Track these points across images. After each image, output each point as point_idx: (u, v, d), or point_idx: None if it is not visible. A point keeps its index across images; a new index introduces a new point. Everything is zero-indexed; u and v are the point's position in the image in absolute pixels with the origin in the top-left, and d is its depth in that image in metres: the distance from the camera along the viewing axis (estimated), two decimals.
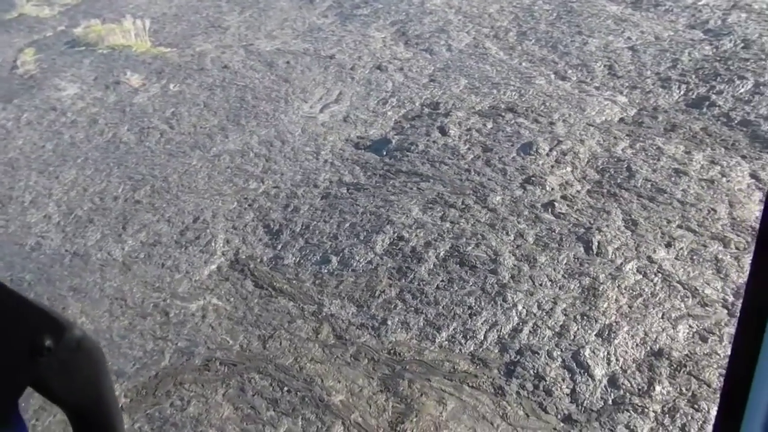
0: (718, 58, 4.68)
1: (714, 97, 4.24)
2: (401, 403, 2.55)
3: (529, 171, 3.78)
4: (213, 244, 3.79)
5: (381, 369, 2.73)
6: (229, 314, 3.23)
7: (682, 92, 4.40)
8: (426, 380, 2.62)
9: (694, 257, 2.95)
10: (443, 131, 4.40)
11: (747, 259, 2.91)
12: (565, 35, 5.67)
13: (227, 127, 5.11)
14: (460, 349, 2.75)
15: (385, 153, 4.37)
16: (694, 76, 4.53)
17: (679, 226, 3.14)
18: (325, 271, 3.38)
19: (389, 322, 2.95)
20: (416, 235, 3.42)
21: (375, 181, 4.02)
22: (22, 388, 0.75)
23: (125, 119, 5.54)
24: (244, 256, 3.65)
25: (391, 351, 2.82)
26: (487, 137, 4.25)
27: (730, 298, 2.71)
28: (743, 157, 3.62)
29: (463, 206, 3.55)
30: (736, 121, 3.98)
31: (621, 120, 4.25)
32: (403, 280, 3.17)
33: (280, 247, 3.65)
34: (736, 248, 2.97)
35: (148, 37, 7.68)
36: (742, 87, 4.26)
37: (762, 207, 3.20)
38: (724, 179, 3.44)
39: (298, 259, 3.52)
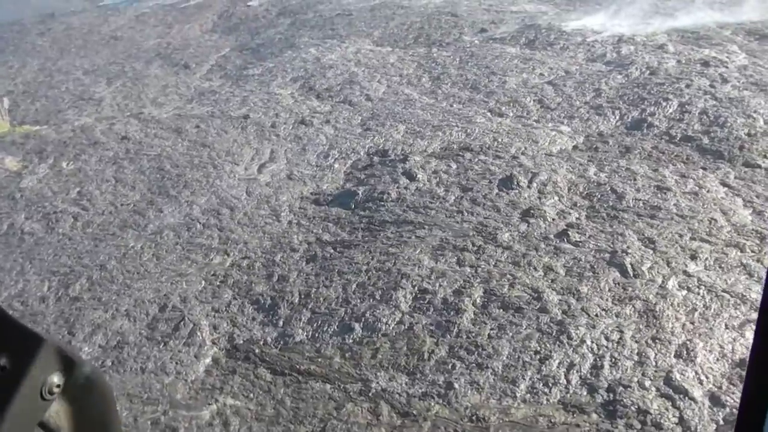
0: (635, 85, 5.08)
1: (649, 119, 4.56)
2: None
3: (521, 204, 3.74)
4: (197, 333, 3.25)
5: None
6: (257, 414, 2.74)
7: (617, 117, 4.68)
8: None
9: (722, 265, 3.05)
10: (410, 177, 4.25)
11: (767, 259, 3.07)
12: (479, 77, 5.85)
13: (155, 201, 4.52)
14: (547, 399, 2.55)
15: (354, 206, 4.11)
16: (621, 102, 4.86)
17: (693, 239, 3.25)
18: (351, 341, 3.02)
19: (456, 385, 2.68)
20: (440, 285, 3.20)
21: (362, 236, 3.74)
22: (32, 426, 0.71)
23: (18, 207, 4.69)
24: (242, 341, 3.17)
25: (473, 418, 2.54)
26: (458, 177, 4.17)
27: None
28: (704, 168, 3.89)
29: (475, 248, 3.41)
30: (678, 138, 4.29)
31: (575, 147, 4.41)
32: (449, 336, 2.92)
33: (282, 323, 3.22)
34: (752, 251, 3.12)
35: (7, 117, 6.71)
36: (669, 108, 4.64)
37: (750, 211, 3.44)
38: (704, 190, 3.65)
39: (311, 333, 3.12)
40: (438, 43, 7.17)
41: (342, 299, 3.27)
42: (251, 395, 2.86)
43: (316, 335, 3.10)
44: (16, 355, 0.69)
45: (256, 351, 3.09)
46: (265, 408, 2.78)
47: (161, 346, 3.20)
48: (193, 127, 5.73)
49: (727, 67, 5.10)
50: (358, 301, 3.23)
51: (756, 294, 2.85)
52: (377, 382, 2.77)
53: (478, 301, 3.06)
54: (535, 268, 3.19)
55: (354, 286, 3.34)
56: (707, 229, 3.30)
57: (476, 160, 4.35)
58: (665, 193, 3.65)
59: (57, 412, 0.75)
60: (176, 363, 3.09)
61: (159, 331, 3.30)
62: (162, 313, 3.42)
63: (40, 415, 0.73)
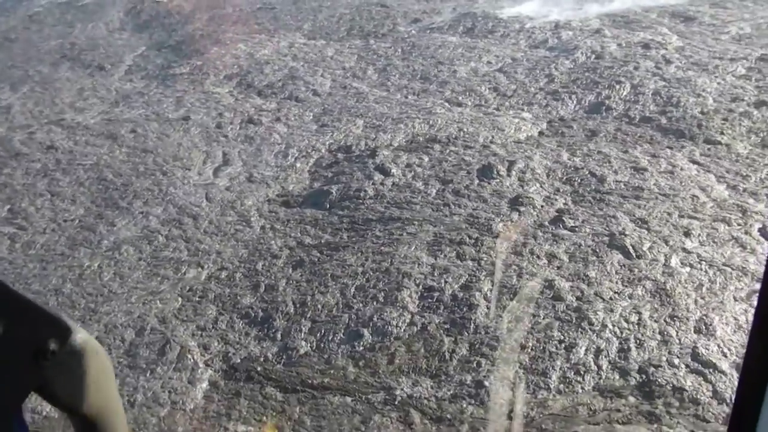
0: (585, 69, 5.18)
1: (606, 102, 4.66)
2: None
3: (505, 193, 3.70)
4: (186, 356, 2.97)
5: None
6: None
7: (575, 102, 4.75)
8: None
9: (715, 240, 3.14)
10: (384, 172, 4.11)
11: (755, 229, 3.19)
12: (427, 67, 5.79)
13: (104, 214, 4.12)
14: (582, 387, 2.51)
15: (329, 206, 3.92)
16: (575, 87, 4.94)
17: (681, 216, 3.32)
18: (362, 348, 2.86)
19: (486, 383, 2.58)
20: (446, 282, 3.09)
21: (348, 237, 3.56)
22: (26, 392, 0.72)
23: None
24: (239, 360, 2.92)
25: (510, 414, 2.46)
26: (434, 170, 4.07)
27: None
28: (670, 148, 4.02)
29: (473, 241, 3.32)
30: (637, 119, 4.41)
31: (541, 134, 4.43)
32: (466, 333, 2.82)
33: (280, 336, 3.00)
34: (738, 224, 3.24)
35: None
36: (623, 90, 4.76)
37: (724, 186, 3.57)
38: (677, 169, 3.76)
39: (315, 343, 2.92)
40: (373, 34, 7.03)
41: (343, 305, 3.09)
42: (264, 418, 2.63)
43: (322, 345, 2.91)
44: (10, 320, 0.67)
45: (258, 369, 2.85)
46: (283, 431, 2.57)
47: (148, 375, 2.90)
48: (129, 132, 5.28)
49: (666, 49, 5.32)
50: (361, 305, 3.06)
51: (754, 266, 2.94)
52: (401, 389, 2.63)
53: (489, 294, 2.98)
54: (538, 257, 3.15)
55: (353, 289, 3.16)
56: (692, 206, 3.39)
57: (447, 151, 4.27)
58: (643, 174, 3.72)
59: (52, 378, 0.73)
60: (169, 391, 2.80)
61: (141, 358, 2.98)
62: (140, 338, 3.10)
63: (35, 381, 0.71)
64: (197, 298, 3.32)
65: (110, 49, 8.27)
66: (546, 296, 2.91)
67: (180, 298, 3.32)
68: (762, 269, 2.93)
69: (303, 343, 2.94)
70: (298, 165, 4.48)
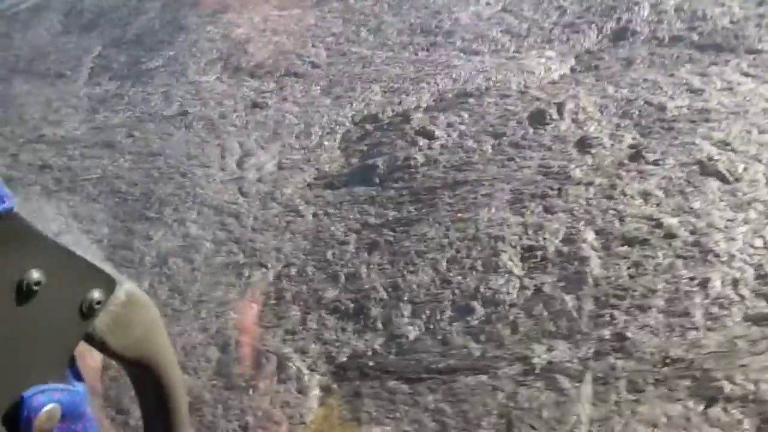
0: None
1: (629, 26, 4.49)
2: None
3: (568, 137, 3.51)
4: (287, 365, 2.73)
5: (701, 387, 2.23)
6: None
7: (596, 31, 4.57)
8: None
9: None
10: (428, 135, 3.87)
11: None
12: (425, 19, 5.49)
13: (134, 229, 3.77)
14: (732, 320, 2.38)
15: (380, 181, 3.67)
16: (592, 16, 4.75)
17: (762, 132, 3.20)
18: (477, 322, 2.67)
19: (628, 334, 2.43)
20: (544, 238, 2.90)
21: (416, 209, 3.34)
22: (75, 343, 0.69)
23: None
24: (345, 358, 2.70)
25: (666, 361, 2.32)
26: (479, 125, 3.85)
27: None
28: (715, 64, 3.88)
29: (555, 191, 3.14)
30: (667, 40, 4.26)
31: (574, 70, 4.24)
32: (586, 288, 2.65)
33: (381, 325, 2.78)
34: None
35: None
36: (643, 11, 4.59)
37: None
38: (734, 84, 3.63)
39: (424, 326, 2.72)
40: None
41: (440, 280, 2.88)
42: (398, 414, 2.44)
43: (432, 327, 2.71)
44: (52, 270, 0.65)
45: (371, 364, 2.64)
46: (425, 425, 2.38)
47: (251, 393, 2.65)
48: (126, 137, 4.88)
49: None
50: (460, 277, 2.86)
51: None
52: (538, 357, 2.46)
53: (596, 244, 2.81)
54: (632, 197, 2.99)
55: (445, 263, 2.95)
56: (767, 121, 3.27)
57: (485, 103, 4.04)
58: (701, 95, 3.58)
59: (101, 328, 0.72)
60: (282, 407, 2.58)
61: (237, 376, 2.73)
62: (227, 354, 2.84)
63: (82, 332, 0.71)
64: (274, 301, 3.06)
65: (62, 54, 7.66)
66: (657, 235, 2.76)
67: (254, 305, 3.06)
68: None
69: (410, 327, 2.73)
70: (326, 143, 4.19)
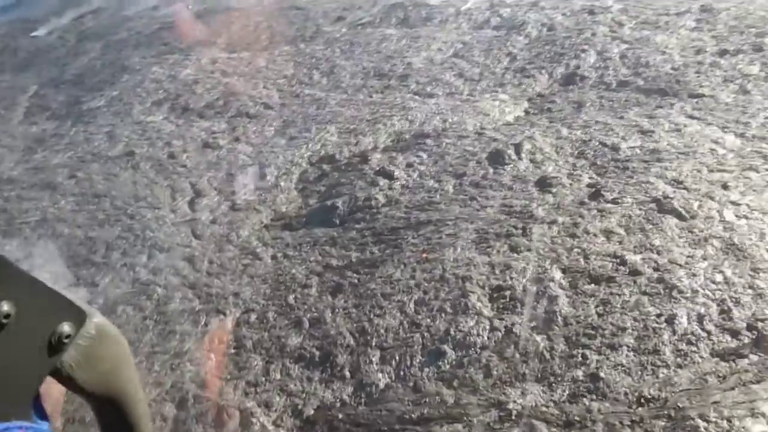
0: (544, 43, 5.15)
1: (577, 71, 4.65)
2: None
3: (528, 177, 3.55)
4: (251, 420, 2.57)
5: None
6: None
7: (546, 76, 4.70)
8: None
9: (753, 188, 3.15)
10: (387, 175, 3.84)
11: None
12: (378, 63, 5.54)
13: (80, 274, 3.56)
14: (700, 356, 2.40)
15: (340, 221, 3.60)
16: (541, 62, 4.90)
17: (711, 171, 3.32)
18: (449, 366, 2.60)
19: (601, 374, 2.41)
20: (511, 278, 2.89)
21: (380, 250, 3.27)
22: (42, 377, 0.70)
23: None
24: (312, 411, 2.57)
25: (640, 401, 2.31)
26: (439, 165, 3.85)
27: None
28: (661, 107, 4.05)
29: (520, 230, 3.14)
30: (614, 85, 4.43)
31: (528, 113, 4.33)
32: (556, 327, 2.63)
33: (348, 373, 2.67)
34: (766, 169, 3.28)
35: None
36: (590, 58, 4.77)
37: (732, 135, 3.61)
38: (681, 126, 3.78)
39: (394, 373, 2.63)
40: (300, 38, 6.69)
41: (409, 324, 2.81)
42: None
43: (402, 373, 2.62)
44: (23, 302, 0.65)
45: (340, 416, 2.52)
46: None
47: None
48: (68, 179, 4.65)
49: (612, 12, 5.40)
50: (429, 320, 2.80)
51: None
52: (513, 402, 2.40)
53: (563, 282, 2.81)
54: (595, 235, 3.03)
55: (412, 305, 2.89)
56: (716, 160, 3.40)
57: (444, 144, 4.06)
58: (651, 136, 3.71)
59: (69, 362, 0.71)
60: None
61: None
62: (184, 411, 2.67)
63: (50, 367, 0.69)
64: (233, 350, 2.91)
65: None
66: (622, 273, 2.79)
67: (212, 353, 2.90)
68: None
69: (379, 375, 2.63)
70: (282, 184, 4.11)
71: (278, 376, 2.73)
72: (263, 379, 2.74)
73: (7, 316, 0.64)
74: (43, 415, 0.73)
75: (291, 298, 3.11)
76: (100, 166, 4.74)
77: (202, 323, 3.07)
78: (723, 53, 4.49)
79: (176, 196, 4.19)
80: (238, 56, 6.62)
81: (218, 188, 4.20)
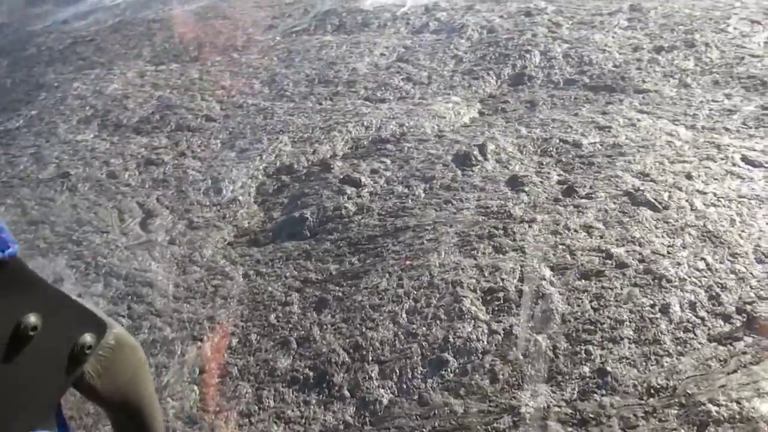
0: (487, 45, 5.21)
1: (525, 71, 4.73)
2: None
3: (497, 177, 3.55)
4: None
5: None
6: None
7: (494, 78, 4.76)
8: None
9: (714, 177, 3.28)
10: (354, 183, 3.73)
11: (738, 159, 3.40)
12: (321, 70, 5.42)
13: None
14: (698, 342, 2.46)
15: (311, 234, 3.46)
16: (487, 63, 4.95)
17: (672, 162, 3.44)
18: (452, 375, 2.53)
19: (608, 368, 2.42)
20: (501, 279, 2.86)
21: (360, 260, 3.16)
22: (65, 387, 0.72)
23: None
24: None
25: (650, 392, 2.33)
26: (406, 170, 3.79)
27: None
28: (610, 103, 4.17)
29: (501, 231, 3.13)
30: (562, 83, 4.54)
31: (482, 114, 4.36)
32: (554, 326, 2.62)
33: (348, 392, 2.56)
34: (722, 159, 3.43)
35: None
36: (534, 58, 4.87)
37: (683, 128, 3.78)
38: (635, 120, 3.90)
39: (396, 387, 2.53)
40: (232, 48, 6.47)
41: (404, 334, 2.72)
42: None
43: (406, 386, 2.53)
44: (48, 315, 0.66)
45: None
46: None
47: None
48: None
49: (548, 13, 5.55)
50: (425, 328, 2.72)
51: (761, 192, 3.13)
52: (525, 405, 2.37)
53: (554, 280, 2.81)
54: (575, 231, 3.06)
55: (405, 315, 2.80)
56: (674, 152, 3.53)
57: (405, 148, 4.01)
58: (609, 131, 3.81)
59: (90, 372, 0.72)
60: None
61: None
62: None
63: (73, 376, 0.70)
64: (218, 379, 2.72)
65: None
66: (610, 266, 2.82)
67: (196, 386, 2.69)
68: (766, 193, 3.13)
69: (381, 391, 2.53)
70: (240, 198, 3.92)
71: (272, 403, 2.57)
72: (256, 407, 2.57)
73: (34, 328, 0.65)
74: (64, 427, 0.72)
75: (272, 318, 2.95)
76: (32, 191, 4.36)
77: (179, 353, 2.85)
78: (659, 50, 4.69)
79: (125, 217, 3.90)
80: (167, 68, 6.31)
81: (170, 206, 3.95)
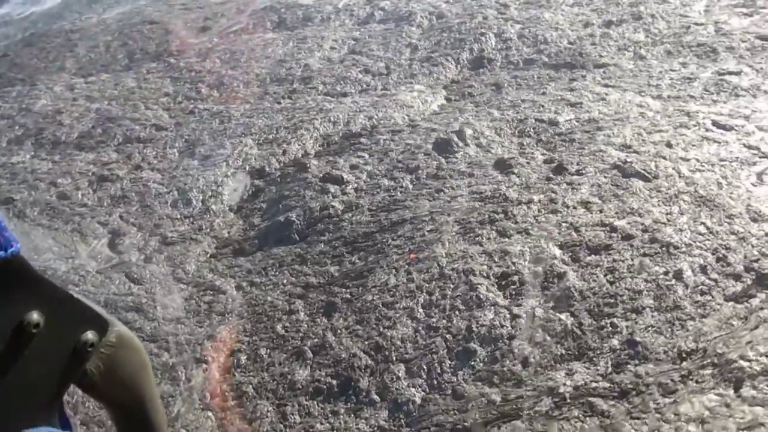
0: (441, 30, 5.17)
1: (483, 55, 4.72)
2: None
3: (483, 162, 3.52)
4: None
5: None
6: None
7: (453, 63, 4.73)
8: None
9: (692, 143, 3.38)
10: (336, 181, 3.60)
11: (709, 124, 3.51)
12: (272, 69, 5.22)
13: None
14: (717, 303, 2.52)
15: (300, 237, 3.32)
16: (444, 49, 4.91)
17: (649, 132, 3.51)
18: (482, 365, 2.47)
19: (637, 339, 2.43)
20: (513, 262, 2.82)
21: (360, 258, 3.05)
22: (67, 385, 0.74)
23: None
24: None
25: (683, 356, 2.36)
26: (387, 163, 3.69)
27: None
28: (573, 80, 4.23)
29: (501, 215, 3.09)
30: (521, 64, 4.56)
31: (449, 100, 4.32)
32: (576, 303, 2.62)
33: (376, 395, 2.46)
34: (695, 125, 3.54)
35: None
36: (489, 41, 4.87)
37: (650, 98, 3.87)
38: (603, 95, 3.97)
39: (425, 383, 2.45)
40: (166, 53, 6.14)
41: (424, 329, 2.64)
42: None
43: (437, 382, 2.46)
44: (50, 312, 0.68)
45: None
46: None
47: None
48: None
49: None
50: (444, 321, 2.65)
51: (738, 153, 3.25)
52: (563, 385, 2.34)
53: (565, 258, 2.80)
54: (574, 208, 3.06)
55: (420, 309, 2.72)
56: (649, 122, 3.61)
57: (380, 141, 3.91)
58: (581, 107, 3.85)
59: (92, 370, 0.73)
60: None
61: None
62: None
63: (76, 373, 0.71)
64: (234, 401, 2.54)
65: None
66: (616, 239, 2.84)
67: (210, 412, 2.51)
68: (744, 154, 3.25)
69: (412, 390, 2.44)
70: (213, 207, 3.71)
71: (298, 419, 2.43)
72: (282, 426, 2.42)
73: (36, 325, 0.66)
74: (66, 426, 0.72)
75: (279, 328, 2.79)
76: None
77: (183, 378, 2.65)
78: (608, 24, 4.81)
79: (88, 240, 3.61)
80: (98, 79, 5.91)
81: (137, 223, 3.69)
